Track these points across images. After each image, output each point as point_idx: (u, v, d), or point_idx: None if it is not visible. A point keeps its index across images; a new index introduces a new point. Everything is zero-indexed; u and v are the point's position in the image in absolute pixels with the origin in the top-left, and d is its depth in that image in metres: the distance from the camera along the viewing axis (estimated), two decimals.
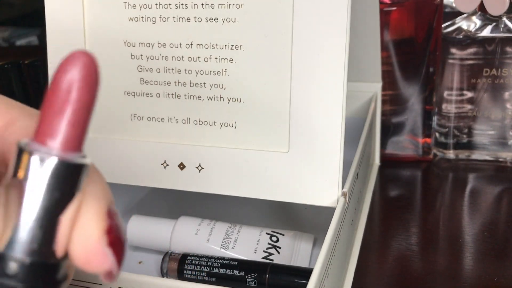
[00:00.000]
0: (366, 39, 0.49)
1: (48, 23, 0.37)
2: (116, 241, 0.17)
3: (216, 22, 0.34)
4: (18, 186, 0.15)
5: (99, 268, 0.16)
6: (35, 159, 0.15)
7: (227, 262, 0.35)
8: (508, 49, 0.50)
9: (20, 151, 0.16)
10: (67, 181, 0.16)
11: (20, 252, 0.16)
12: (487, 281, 0.37)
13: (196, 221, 0.38)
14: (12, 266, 0.16)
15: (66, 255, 0.17)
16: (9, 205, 0.16)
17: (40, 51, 0.42)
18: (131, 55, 0.36)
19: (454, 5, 0.51)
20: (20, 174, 0.15)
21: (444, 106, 0.53)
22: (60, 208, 0.16)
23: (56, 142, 0.15)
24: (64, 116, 0.15)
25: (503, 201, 0.48)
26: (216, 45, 0.34)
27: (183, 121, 0.36)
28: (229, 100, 0.34)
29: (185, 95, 0.35)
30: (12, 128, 0.17)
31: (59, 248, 0.16)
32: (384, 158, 0.54)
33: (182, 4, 0.34)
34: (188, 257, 0.36)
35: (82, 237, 0.16)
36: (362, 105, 0.52)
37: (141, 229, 0.39)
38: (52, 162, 0.15)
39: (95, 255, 0.16)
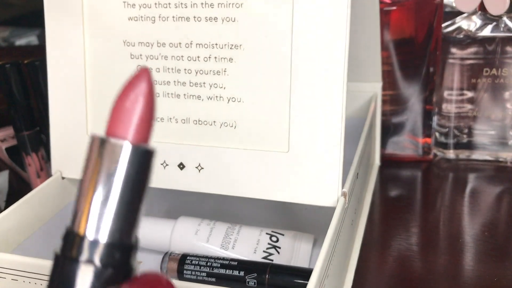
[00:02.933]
0: (366, 38, 0.49)
1: (48, 23, 0.37)
2: None
3: (215, 21, 0.34)
4: (95, 173, 0.17)
5: None
6: (110, 147, 0.17)
7: (227, 262, 0.35)
8: (509, 48, 0.50)
9: (95, 142, 0.18)
10: (139, 165, 0.18)
11: (98, 233, 0.17)
12: (488, 281, 0.37)
13: (196, 221, 0.38)
14: (91, 246, 0.17)
15: (138, 241, 0.18)
16: (89, 190, 0.17)
17: (39, 51, 0.42)
18: (131, 55, 0.36)
19: (454, 4, 0.50)
20: (97, 162, 0.17)
21: (444, 106, 0.53)
22: (135, 191, 0.18)
23: (129, 135, 0.18)
24: (134, 116, 0.18)
25: (503, 201, 0.47)
26: (216, 44, 0.34)
27: (183, 121, 0.35)
28: (228, 100, 0.34)
29: (184, 94, 0.35)
30: None
31: (134, 231, 0.18)
32: (384, 158, 0.54)
33: (181, 4, 0.34)
34: (188, 257, 0.35)
35: None
36: (362, 105, 0.52)
37: (140, 229, 0.39)
38: (127, 148, 0.17)
39: None
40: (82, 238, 0.17)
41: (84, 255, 0.17)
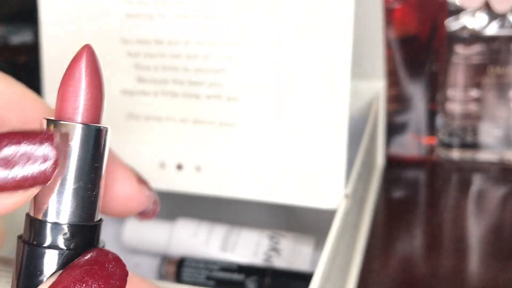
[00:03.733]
0: (370, 36, 0.48)
1: (44, 20, 0.37)
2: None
3: (214, 19, 0.33)
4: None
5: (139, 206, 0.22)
6: (60, 130, 0.17)
7: (227, 265, 0.34)
8: None
9: (46, 126, 0.17)
10: (92, 145, 0.18)
11: (59, 216, 0.17)
12: (493, 284, 0.36)
13: (195, 223, 0.38)
14: (53, 230, 0.17)
15: (101, 221, 0.18)
16: None
17: (35, 48, 0.41)
18: (128, 53, 0.35)
19: (458, 2, 0.50)
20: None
21: (448, 105, 0.53)
22: (90, 171, 0.18)
23: (78, 116, 0.18)
24: (80, 95, 0.18)
25: (509, 202, 0.47)
26: (215, 42, 0.33)
27: (181, 121, 0.35)
28: (228, 99, 0.34)
29: (183, 93, 0.34)
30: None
31: (95, 211, 0.18)
32: (388, 158, 0.54)
33: (180, 1, 0.34)
34: (187, 260, 0.35)
35: (123, 184, 0.21)
36: (365, 104, 0.51)
37: (138, 231, 0.38)
38: (77, 129, 0.17)
39: (137, 194, 0.21)
40: (43, 223, 0.17)
41: (47, 240, 0.17)
